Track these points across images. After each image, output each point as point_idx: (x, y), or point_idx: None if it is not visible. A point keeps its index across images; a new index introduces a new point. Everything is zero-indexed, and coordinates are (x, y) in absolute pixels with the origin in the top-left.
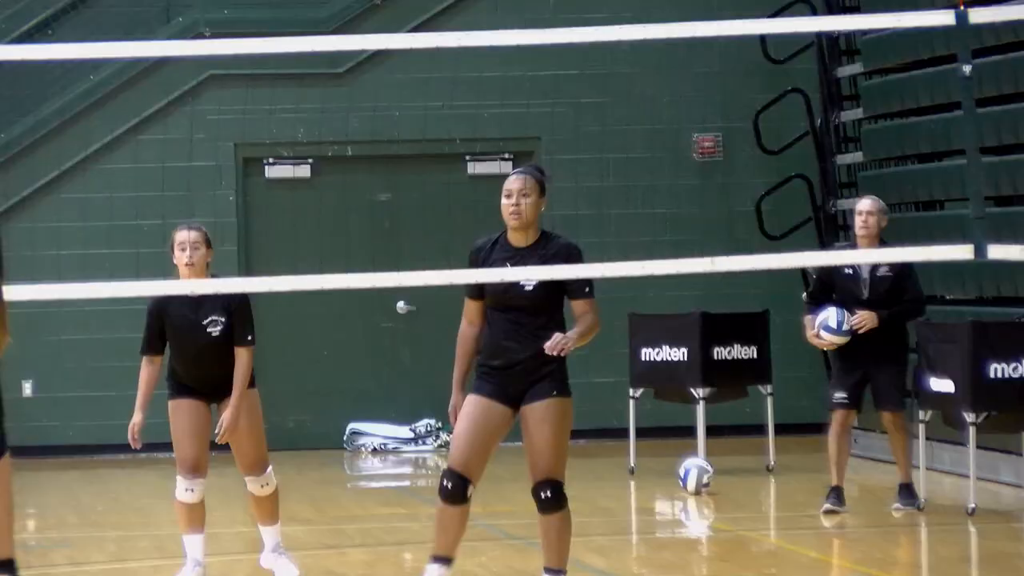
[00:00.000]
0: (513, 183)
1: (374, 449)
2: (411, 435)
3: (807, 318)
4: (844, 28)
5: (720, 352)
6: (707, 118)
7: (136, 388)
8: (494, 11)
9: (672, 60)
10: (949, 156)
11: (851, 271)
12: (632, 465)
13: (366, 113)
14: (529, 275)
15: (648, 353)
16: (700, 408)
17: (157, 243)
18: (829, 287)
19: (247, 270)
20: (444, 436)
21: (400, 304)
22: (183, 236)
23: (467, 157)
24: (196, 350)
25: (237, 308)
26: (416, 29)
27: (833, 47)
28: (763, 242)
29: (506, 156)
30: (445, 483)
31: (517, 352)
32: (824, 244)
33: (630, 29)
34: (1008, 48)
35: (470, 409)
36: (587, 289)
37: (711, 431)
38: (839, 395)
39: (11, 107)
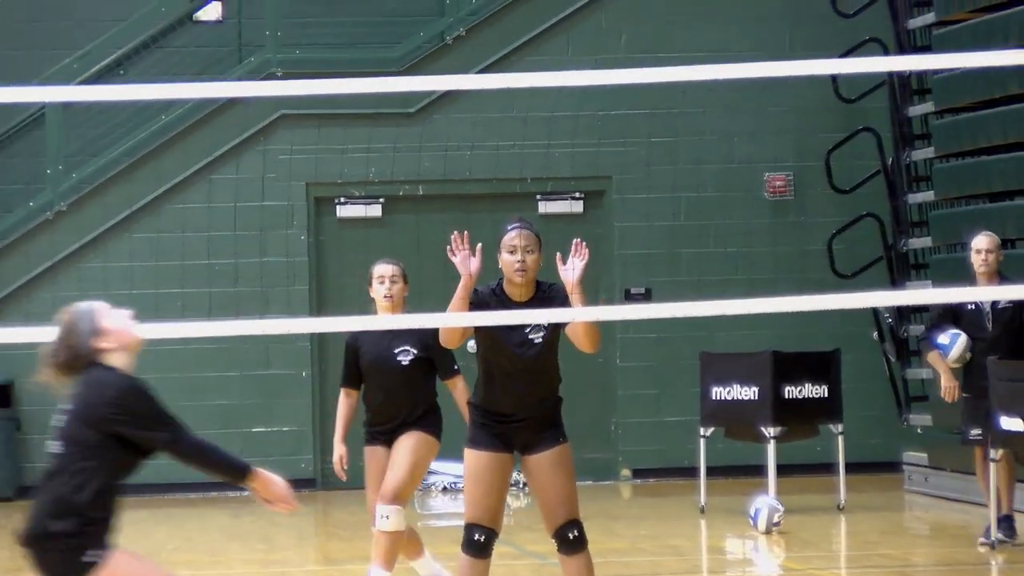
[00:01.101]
0: (516, 239)
1: (444, 488)
2: None
3: (932, 356)
4: (916, 67)
5: (791, 391)
6: (778, 157)
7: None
8: (565, 51)
9: (743, 99)
10: (1021, 195)
11: (973, 306)
12: (703, 504)
13: (437, 152)
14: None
15: (719, 392)
16: (771, 447)
17: (229, 282)
18: (953, 319)
19: (319, 309)
20: (514, 475)
21: (471, 343)
22: (383, 269)
23: (538, 196)
24: (387, 380)
25: (435, 343)
26: (487, 69)
27: (904, 86)
28: (835, 280)
29: (576, 195)
30: (477, 537)
31: (525, 406)
32: (895, 283)
33: (702, 69)
34: None
35: (481, 466)
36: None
37: (782, 470)
38: (975, 432)
39: (84, 146)
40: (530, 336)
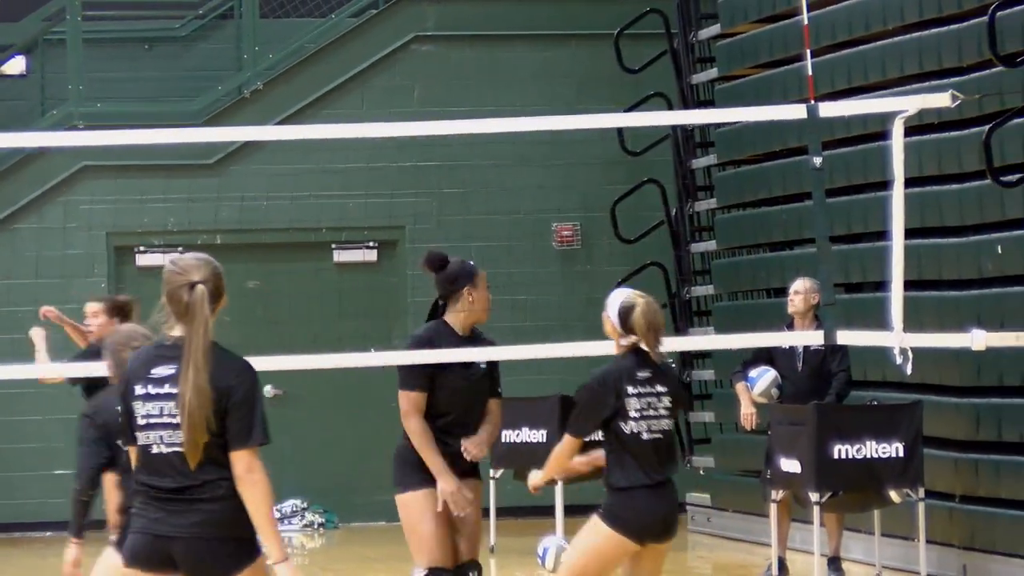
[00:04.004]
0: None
1: None
2: (277, 515)
3: (739, 385)
4: (699, 121)
5: None
6: (566, 208)
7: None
8: (360, 105)
9: (532, 152)
10: (801, 244)
11: (788, 347)
12: (492, 543)
13: (235, 203)
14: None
15: (509, 435)
16: (559, 488)
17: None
18: (766, 359)
19: None
20: (309, 516)
21: (267, 388)
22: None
23: (333, 245)
24: None
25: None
26: (284, 122)
27: (688, 139)
28: None
29: (371, 245)
30: None
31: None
32: (679, 330)
33: (491, 122)
34: (857, 140)
35: (432, 505)
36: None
37: (569, 510)
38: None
39: None
40: (480, 364)
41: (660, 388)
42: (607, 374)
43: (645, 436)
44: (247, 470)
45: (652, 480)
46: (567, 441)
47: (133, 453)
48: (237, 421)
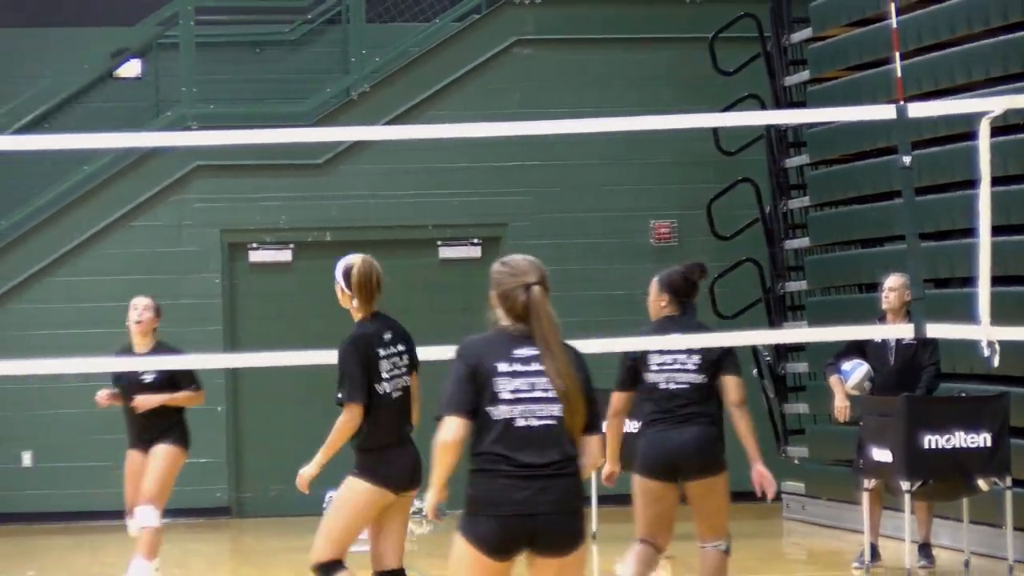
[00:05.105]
0: None
1: None
2: None
3: (833, 379)
4: (792, 122)
5: None
6: (663, 206)
7: None
8: (462, 107)
9: (630, 151)
10: (890, 241)
11: (880, 340)
12: (595, 530)
13: (343, 201)
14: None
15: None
16: (592, 479)
17: None
18: (858, 352)
19: (232, 348)
20: (417, 503)
21: None
22: (135, 301)
23: (438, 242)
24: None
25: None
26: (390, 123)
27: (781, 139)
28: (716, 322)
29: (475, 241)
30: None
31: None
32: (773, 323)
33: (594, 122)
34: (945, 140)
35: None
36: None
37: (603, 500)
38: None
39: (9, 197)
40: None
41: (400, 347)
42: (358, 339)
43: (394, 395)
44: (600, 450)
45: (400, 437)
46: (353, 409)
47: (455, 424)
48: (591, 408)
